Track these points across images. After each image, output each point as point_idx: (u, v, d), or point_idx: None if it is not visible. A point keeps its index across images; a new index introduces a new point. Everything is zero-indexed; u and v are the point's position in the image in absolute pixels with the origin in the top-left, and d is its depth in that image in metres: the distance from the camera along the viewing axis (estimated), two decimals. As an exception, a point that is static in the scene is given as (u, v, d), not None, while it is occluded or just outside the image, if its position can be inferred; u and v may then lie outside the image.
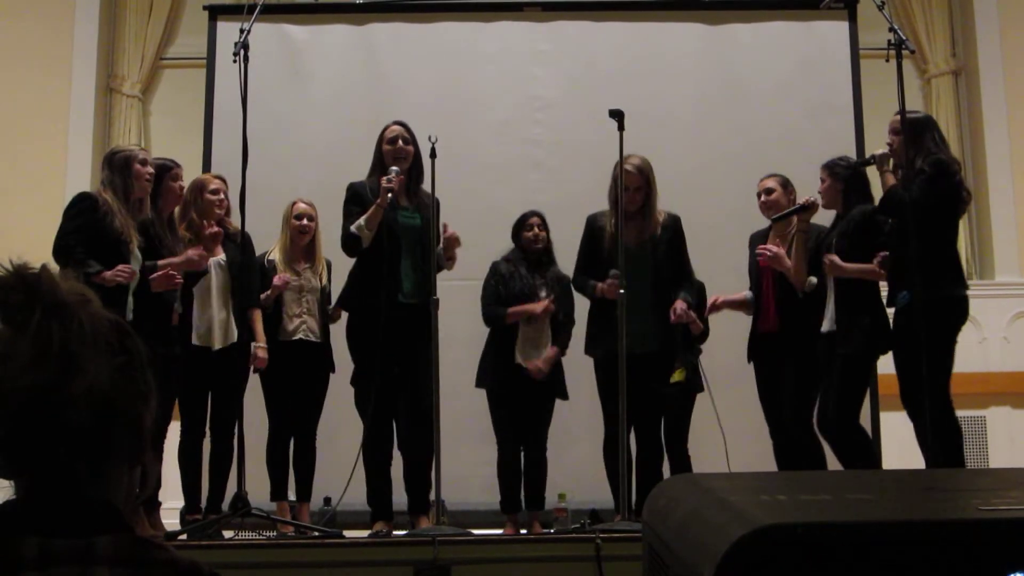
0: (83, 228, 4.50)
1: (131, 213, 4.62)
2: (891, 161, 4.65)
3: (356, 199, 4.89)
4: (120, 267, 4.45)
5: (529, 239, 5.25)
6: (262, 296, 5.13)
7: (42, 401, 1.08)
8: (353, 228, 4.82)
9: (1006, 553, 1.03)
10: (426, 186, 4.93)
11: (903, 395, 4.52)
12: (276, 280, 5.13)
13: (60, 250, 4.46)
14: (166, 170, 4.90)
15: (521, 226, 5.29)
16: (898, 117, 4.59)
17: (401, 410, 4.84)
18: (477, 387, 5.20)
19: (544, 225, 5.28)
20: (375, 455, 4.84)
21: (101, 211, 4.52)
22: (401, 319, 4.78)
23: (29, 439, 1.10)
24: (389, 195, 4.74)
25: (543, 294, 5.15)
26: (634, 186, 4.92)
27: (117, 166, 4.66)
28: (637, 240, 4.96)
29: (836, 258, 4.67)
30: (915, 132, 4.54)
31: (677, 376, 5.24)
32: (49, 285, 1.12)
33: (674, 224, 5.08)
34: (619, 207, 4.74)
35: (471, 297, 5.28)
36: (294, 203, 5.34)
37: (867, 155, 4.90)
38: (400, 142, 4.93)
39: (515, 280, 5.18)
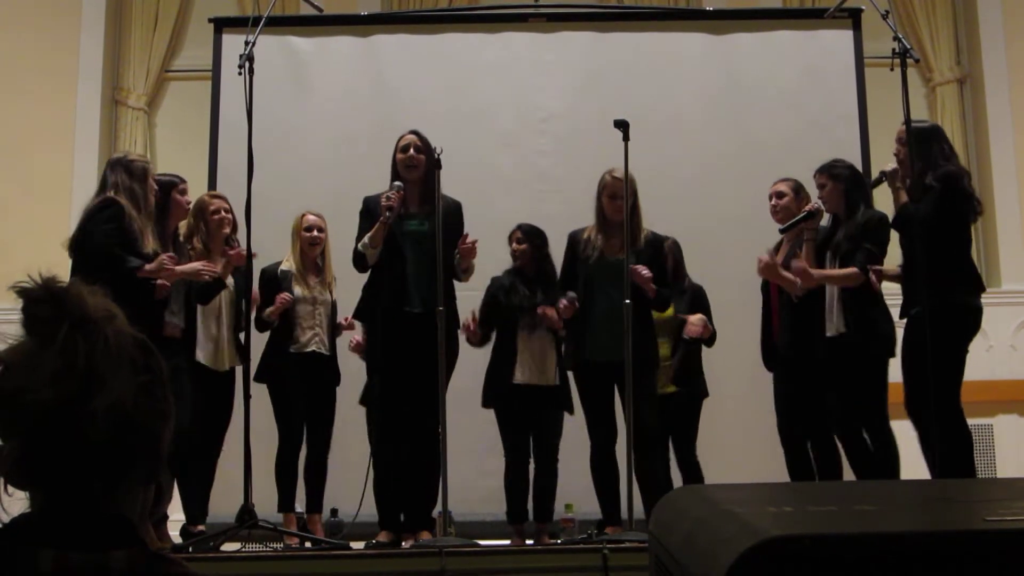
0: (115, 233, 4.51)
1: (144, 222, 4.65)
2: (901, 175, 4.64)
3: (367, 214, 4.88)
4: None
5: (511, 253, 5.18)
6: (266, 312, 5.13)
7: (63, 415, 1.09)
8: (359, 246, 4.84)
9: (1013, 564, 1.03)
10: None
11: (907, 403, 4.51)
12: (278, 299, 5.10)
13: (108, 257, 4.45)
14: (173, 185, 4.94)
15: (509, 240, 5.22)
16: (904, 127, 4.59)
17: (407, 424, 4.77)
18: (483, 407, 5.12)
19: (526, 239, 5.15)
20: (379, 466, 4.78)
21: (127, 218, 4.55)
22: (406, 330, 4.75)
23: (48, 452, 1.10)
24: (388, 212, 4.72)
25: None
26: (621, 196, 4.83)
27: (137, 175, 4.68)
28: (620, 253, 4.85)
29: (805, 265, 4.68)
30: (921, 143, 4.54)
31: (670, 387, 5.19)
32: (77, 300, 1.13)
33: (656, 242, 4.99)
34: (626, 216, 4.70)
35: (476, 307, 5.25)
36: (303, 215, 5.35)
37: (877, 173, 4.88)
38: (411, 150, 4.88)
39: (515, 293, 5.08)
